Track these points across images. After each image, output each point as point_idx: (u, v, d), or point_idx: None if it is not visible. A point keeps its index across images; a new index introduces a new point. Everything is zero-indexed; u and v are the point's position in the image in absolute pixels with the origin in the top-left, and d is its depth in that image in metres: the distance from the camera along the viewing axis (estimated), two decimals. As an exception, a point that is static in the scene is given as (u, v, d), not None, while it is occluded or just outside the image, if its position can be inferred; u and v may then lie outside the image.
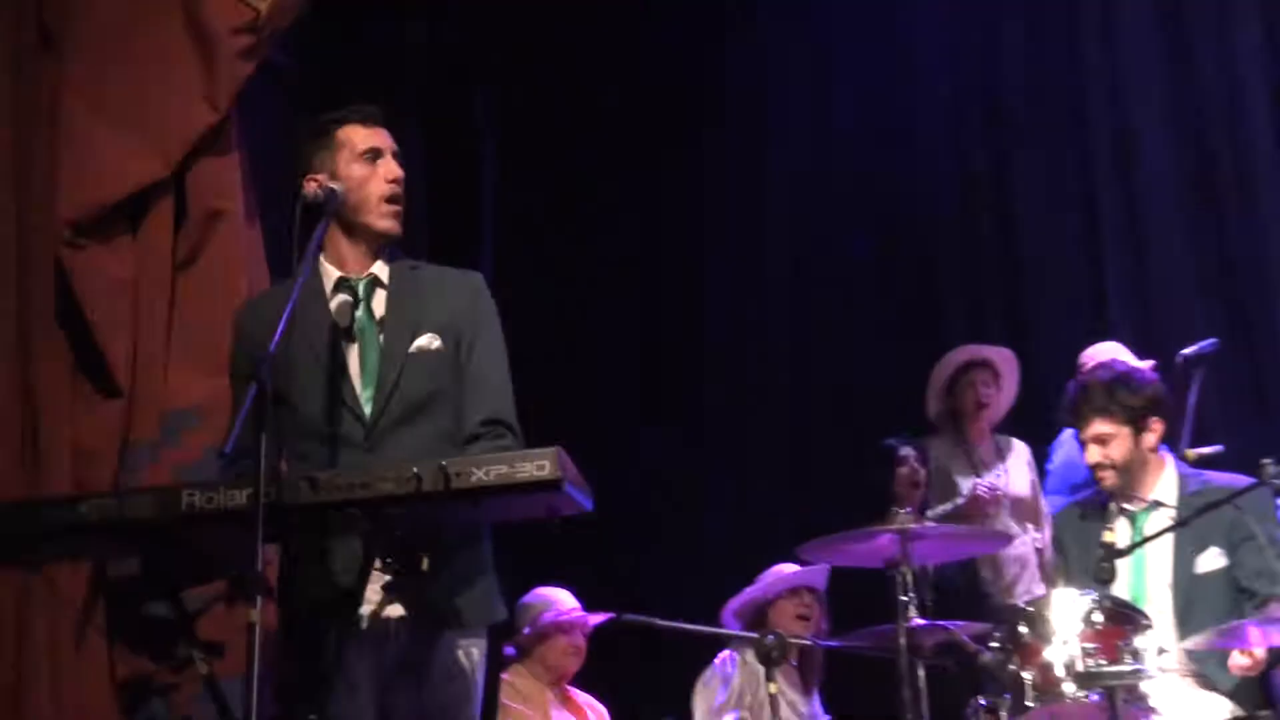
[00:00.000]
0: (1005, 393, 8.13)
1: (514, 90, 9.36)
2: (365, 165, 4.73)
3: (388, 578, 4.34)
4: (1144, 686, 5.21)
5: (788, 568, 7.18)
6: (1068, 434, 7.76)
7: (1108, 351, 7.47)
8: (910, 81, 9.94)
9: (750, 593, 7.21)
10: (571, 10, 8.98)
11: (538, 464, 4.04)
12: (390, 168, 4.77)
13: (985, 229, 9.77)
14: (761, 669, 6.50)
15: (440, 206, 7.74)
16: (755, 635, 6.55)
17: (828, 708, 7.31)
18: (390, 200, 4.75)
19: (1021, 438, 8.23)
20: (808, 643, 7.00)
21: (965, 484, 7.96)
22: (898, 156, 9.86)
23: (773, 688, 6.39)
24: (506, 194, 9.17)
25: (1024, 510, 7.96)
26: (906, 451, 7.63)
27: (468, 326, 4.71)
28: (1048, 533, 7.49)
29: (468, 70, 8.69)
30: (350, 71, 7.22)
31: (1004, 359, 8.12)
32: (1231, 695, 5.53)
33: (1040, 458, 8.14)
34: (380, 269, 4.71)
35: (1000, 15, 9.94)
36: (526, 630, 6.97)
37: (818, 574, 7.17)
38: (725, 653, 7.23)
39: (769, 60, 10.16)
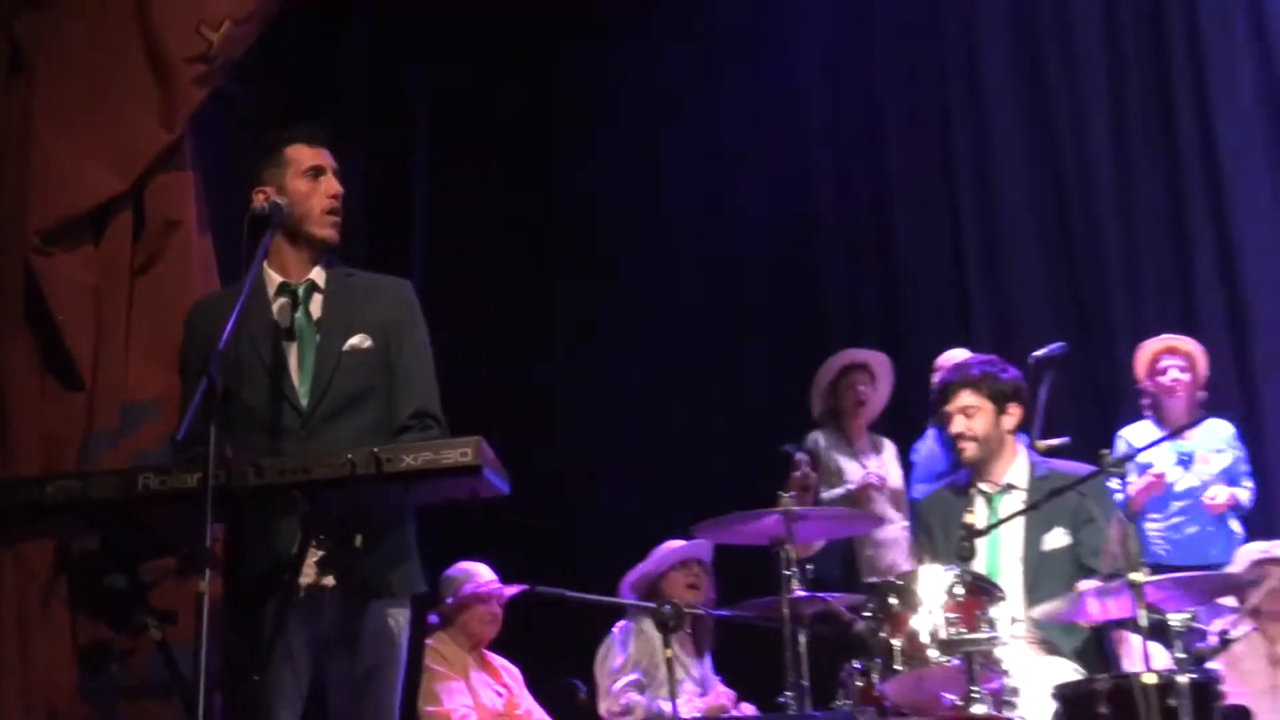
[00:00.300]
0: (880, 392, 8.23)
1: (452, 100, 9.31)
2: (309, 181, 4.73)
3: (323, 553, 4.35)
4: (998, 652, 5.23)
5: (676, 543, 7.28)
6: (930, 432, 7.91)
7: (956, 356, 7.50)
8: (799, 110, 9.96)
9: (644, 567, 7.29)
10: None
11: (461, 451, 4.08)
12: (331, 184, 4.77)
13: (867, 249, 9.84)
14: (658, 635, 6.66)
15: (378, 217, 7.75)
16: (654, 605, 6.70)
17: (718, 669, 7.36)
18: (331, 212, 4.76)
19: (892, 435, 8.34)
20: (700, 612, 7.06)
21: (851, 472, 8.07)
22: (788, 184, 9.87)
23: (669, 652, 6.51)
24: (443, 201, 9.20)
25: (898, 498, 8.05)
26: (801, 457, 7.64)
27: (396, 328, 4.73)
28: None
29: (404, 84, 8.71)
30: (296, 93, 7.20)
31: (880, 363, 8.20)
32: (1073, 658, 5.63)
33: (909, 454, 8.24)
34: (318, 275, 4.73)
35: (877, 56, 10.00)
36: (449, 600, 7.02)
37: (703, 547, 7.23)
38: (621, 622, 7.34)
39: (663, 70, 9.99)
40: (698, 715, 7.14)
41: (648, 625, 7.16)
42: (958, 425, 5.99)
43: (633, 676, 7.20)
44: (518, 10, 9.18)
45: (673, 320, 9.82)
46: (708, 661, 7.37)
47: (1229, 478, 7.66)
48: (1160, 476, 7.46)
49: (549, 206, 9.81)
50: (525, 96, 9.58)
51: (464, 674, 7.01)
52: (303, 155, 4.82)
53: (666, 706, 6.81)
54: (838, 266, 9.88)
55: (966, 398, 5.94)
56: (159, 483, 4.15)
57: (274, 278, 4.67)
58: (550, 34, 9.41)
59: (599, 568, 7.63)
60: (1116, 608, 5.21)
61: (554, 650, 7.58)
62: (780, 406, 8.65)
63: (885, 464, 8.22)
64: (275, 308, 4.66)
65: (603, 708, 7.24)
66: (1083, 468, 5.86)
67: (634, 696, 7.18)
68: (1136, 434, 7.63)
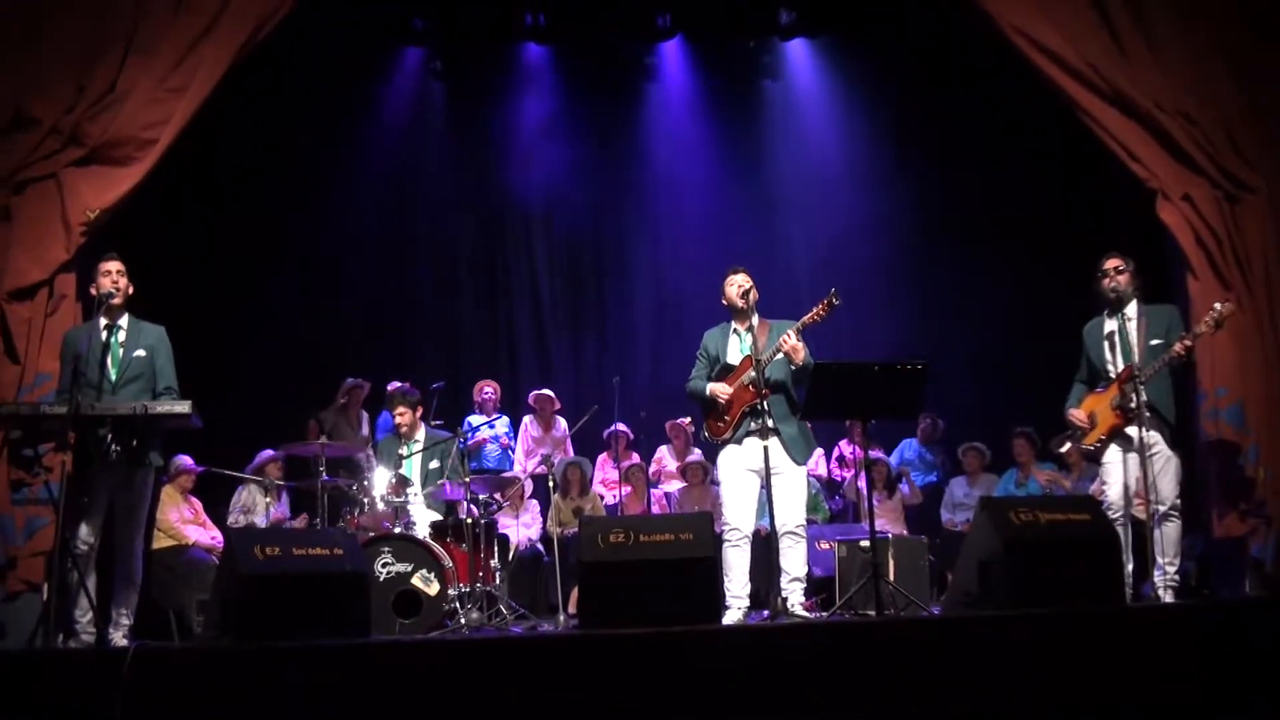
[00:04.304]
0: (364, 392, 8.77)
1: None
2: (104, 278, 5.53)
3: (120, 448, 5.23)
4: (410, 508, 6.62)
5: (269, 451, 7.96)
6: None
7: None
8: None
9: (256, 462, 7.97)
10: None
11: (184, 406, 5.25)
12: (111, 279, 5.52)
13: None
14: (259, 490, 7.85)
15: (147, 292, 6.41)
16: (263, 480, 7.94)
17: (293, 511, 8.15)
18: (109, 294, 5.41)
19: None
20: (283, 484, 7.92)
21: (356, 435, 8.57)
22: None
23: (268, 500, 7.86)
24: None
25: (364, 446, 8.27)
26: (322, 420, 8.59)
27: (158, 347, 5.58)
28: None
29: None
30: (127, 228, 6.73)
31: (364, 384, 8.73)
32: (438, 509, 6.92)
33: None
34: (123, 320, 5.56)
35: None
36: (172, 470, 7.62)
37: (280, 454, 7.85)
38: (240, 488, 8.13)
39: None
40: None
41: (254, 487, 8.00)
42: (399, 418, 7.23)
43: (240, 505, 8.04)
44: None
45: (306, 327, 9.53)
46: (286, 505, 8.12)
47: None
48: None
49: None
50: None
51: (178, 505, 7.64)
52: (103, 266, 5.58)
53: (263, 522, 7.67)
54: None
55: (402, 405, 7.38)
56: (50, 409, 5.19)
57: (102, 321, 5.51)
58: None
59: (244, 459, 8.01)
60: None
61: (222, 495, 8.06)
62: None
63: (365, 430, 8.75)
64: (104, 335, 5.47)
65: (230, 520, 7.91)
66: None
67: (241, 517, 7.98)
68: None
